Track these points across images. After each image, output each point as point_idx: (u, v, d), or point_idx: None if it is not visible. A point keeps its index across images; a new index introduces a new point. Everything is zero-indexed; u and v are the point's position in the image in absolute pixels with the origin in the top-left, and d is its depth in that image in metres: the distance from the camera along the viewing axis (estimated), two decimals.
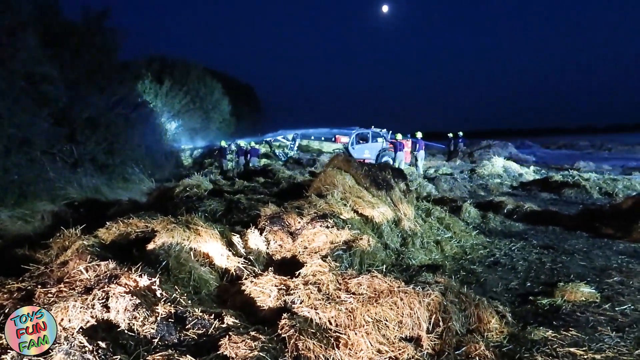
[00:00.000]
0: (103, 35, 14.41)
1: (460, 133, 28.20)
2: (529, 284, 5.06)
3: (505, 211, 9.18)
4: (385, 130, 21.80)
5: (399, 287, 3.66)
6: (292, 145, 25.22)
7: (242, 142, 22.43)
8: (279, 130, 27.01)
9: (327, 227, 5.29)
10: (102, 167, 12.57)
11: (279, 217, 5.68)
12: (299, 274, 4.19)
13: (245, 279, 4.28)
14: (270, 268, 4.47)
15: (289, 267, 4.65)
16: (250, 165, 19.54)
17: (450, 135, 27.53)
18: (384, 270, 4.78)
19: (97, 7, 14.35)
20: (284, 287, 3.94)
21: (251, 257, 4.85)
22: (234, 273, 4.48)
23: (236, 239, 4.97)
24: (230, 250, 4.71)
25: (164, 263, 4.05)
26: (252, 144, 21.30)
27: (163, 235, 4.39)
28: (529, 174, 17.25)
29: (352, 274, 4.05)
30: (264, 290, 3.93)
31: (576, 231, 7.61)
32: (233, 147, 23.77)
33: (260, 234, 5.33)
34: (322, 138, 24.69)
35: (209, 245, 4.53)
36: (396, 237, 6.12)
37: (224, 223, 6.04)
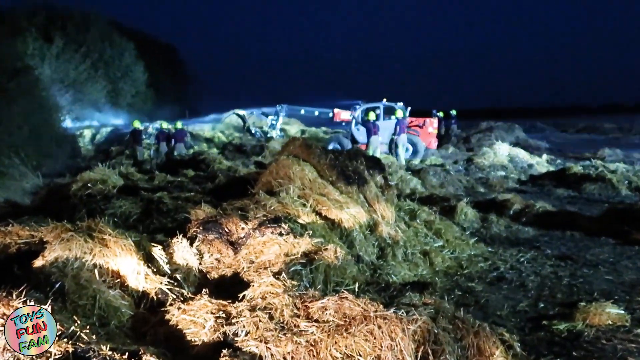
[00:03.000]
0: None
1: (454, 112, 28.75)
2: (542, 305, 5.23)
3: (512, 212, 9.44)
4: (401, 104, 21.45)
5: (375, 311, 3.69)
6: (273, 122, 24.93)
7: (164, 123, 22.09)
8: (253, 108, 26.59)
9: (281, 234, 5.28)
10: None
11: (215, 222, 5.63)
12: (244, 296, 4.17)
13: (171, 304, 4.22)
14: (204, 290, 4.43)
15: (229, 288, 4.63)
16: (175, 153, 19.28)
17: (441, 114, 27.97)
18: (357, 290, 4.82)
19: None
20: (224, 315, 3.91)
21: (178, 276, 4.80)
22: (155, 297, 4.42)
23: (158, 251, 4.90)
24: (149, 267, 4.63)
25: (57, 285, 3.94)
26: (179, 125, 20.99)
27: (56, 248, 4.28)
28: (541, 164, 17.80)
29: (315, 295, 4.06)
30: (197, 320, 3.89)
31: (600, 237, 7.91)
32: (151, 129, 23.39)
33: (191, 244, 5.27)
34: (316, 112, 24.02)
35: (121, 260, 4.44)
36: (372, 247, 6.18)
37: (140, 230, 5.96)
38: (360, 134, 20.83)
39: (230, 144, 24.03)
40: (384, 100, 21.67)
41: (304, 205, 6.23)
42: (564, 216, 9.08)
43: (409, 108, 21.50)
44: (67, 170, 15.73)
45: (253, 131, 25.60)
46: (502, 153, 18.65)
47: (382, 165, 8.18)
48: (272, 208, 5.95)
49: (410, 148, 20.53)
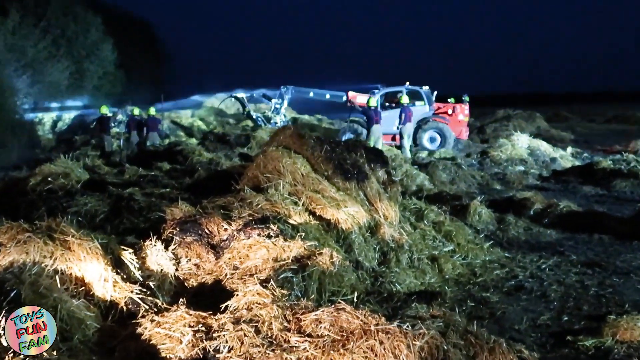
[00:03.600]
0: None
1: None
2: (566, 318, 5.24)
3: (532, 213, 9.46)
4: (427, 88, 21.59)
5: (377, 324, 3.70)
6: (277, 106, 24.86)
7: (135, 109, 22.02)
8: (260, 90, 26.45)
9: (269, 236, 5.29)
10: None
11: (194, 222, 5.63)
12: (226, 307, 4.18)
13: (143, 316, 4.22)
14: (181, 299, 4.43)
15: (210, 297, 4.64)
16: (148, 143, 19.24)
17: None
18: (355, 300, 4.83)
19: None
20: (204, 328, 3.92)
21: (151, 284, 4.79)
22: (125, 308, 4.42)
23: (128, 255, 4.90)
24: (118, 274, 4.63)
25: (13, 294, 3.93)
26: (152, 111, 20.91)
27: (11, 251, 4.27)
28: (566, 158, 17.86)
29: (308, 306, 4.06)
30: (172, 334, 3.89)
31: (632, 241, 7.93)
32: (121, 116, 23.32)
33: (166, 247, 5.28)
34: (327, 96, 24.00)
35: (85, 265, 4.44)
36: (372, 252, 6.18)
37: (108, 232, 5.93)
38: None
39: (211, 133, 23.94)
40: (407, 83, 21.61)
41: (296, 203, 6.23)
42: (591, 217, 9.08)
43: (435, 92, 21.48)
44: (24, 162, 15.70)
45: (254, 116, 25.52)
46: (521, 145, 18.65)
47: (384, 159, 8.18)
48: (259, 206, 5.95)
49: (438, 138, 20.52)
